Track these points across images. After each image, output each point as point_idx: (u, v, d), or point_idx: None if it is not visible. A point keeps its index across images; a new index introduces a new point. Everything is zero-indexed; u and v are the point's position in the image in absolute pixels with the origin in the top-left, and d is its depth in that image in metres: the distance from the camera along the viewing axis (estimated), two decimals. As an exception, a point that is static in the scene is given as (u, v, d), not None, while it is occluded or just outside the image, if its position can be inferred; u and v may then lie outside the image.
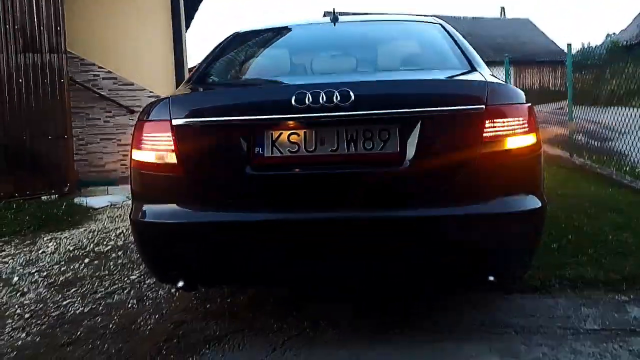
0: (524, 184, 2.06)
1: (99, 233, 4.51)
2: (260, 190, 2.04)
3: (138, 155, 2.14)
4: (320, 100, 1.93)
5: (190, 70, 8.88)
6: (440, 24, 2.95)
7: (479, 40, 29.72)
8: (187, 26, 9.20)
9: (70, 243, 4.22)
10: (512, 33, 29.75)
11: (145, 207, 2.13)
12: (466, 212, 1.97)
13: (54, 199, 5.35)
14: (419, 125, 1.96)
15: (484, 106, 1.97)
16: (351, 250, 2.00)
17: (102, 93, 6.37)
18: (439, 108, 1.99)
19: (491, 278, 2.04)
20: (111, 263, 3.65)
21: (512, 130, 1.99)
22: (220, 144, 2.05)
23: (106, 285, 3.22)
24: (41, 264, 3.69)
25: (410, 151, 1.96)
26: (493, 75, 2.35)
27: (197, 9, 9.28)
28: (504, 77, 10.11)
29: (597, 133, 9.23)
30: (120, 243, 4.15)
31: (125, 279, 3.31)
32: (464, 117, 1.99)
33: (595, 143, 8.62)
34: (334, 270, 2.06)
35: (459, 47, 2.63)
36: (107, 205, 5.54)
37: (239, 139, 2.01)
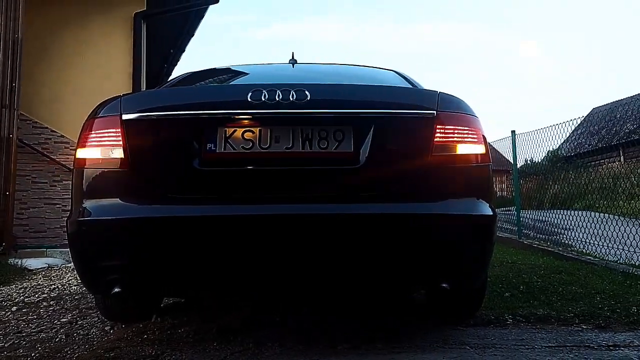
0: (473, 191, 2.09)
1: (31, 289, 4.18)
2: (210, 185, 1.98)
3: (83, 153, 2.07)
4: (277, 98, 1.96)
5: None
6: (395, 70, 3.11)
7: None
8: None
9: (-2, 296, 3.89)
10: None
11: (87, 203, 2.01)
12: (417, 211, 1.96)
13: (-14, 258, 4.99)
14: (372, 126, 2.00)
15: (435, 112, 2.04)
16: (303, 247, 1.92)
17: (53, 157, 6.22)
18: (392, 111, 2.05)
19: (444, 285, 1.99)
20: (42, 310, 3.35)
21: (461, 137, 2.06)
22: (170, 139, 2.02)
23: (33, 326, 2.93)
24: (-39, 312, 3.35)
25: (364, 151, 1.98)
26: None
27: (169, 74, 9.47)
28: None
29: (544, 229, 9.66)
30: (53, 295, 3.85)
31: (55, 321, 3.03)
32: (415, 121, 2.05)
33: (542, 236, 8.99)
34: (285, 267, 1.96)
35: (411, 84, 2.76)
36: (45, 267, 5.20)
37: (190, 135, 1.99)
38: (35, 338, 2.65)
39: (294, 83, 2.06)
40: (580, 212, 6.81)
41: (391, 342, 2.20)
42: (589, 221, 6.28)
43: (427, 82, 3.16)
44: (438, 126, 2.04)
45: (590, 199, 9.69)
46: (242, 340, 2.26)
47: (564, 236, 8.39)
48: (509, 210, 13.80)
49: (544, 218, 10.03)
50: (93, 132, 2.07)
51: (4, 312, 3.34)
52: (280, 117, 2.00)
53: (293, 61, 3.18)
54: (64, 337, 2.63)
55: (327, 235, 1.92)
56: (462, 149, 2.06)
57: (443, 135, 2.04)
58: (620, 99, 23.36)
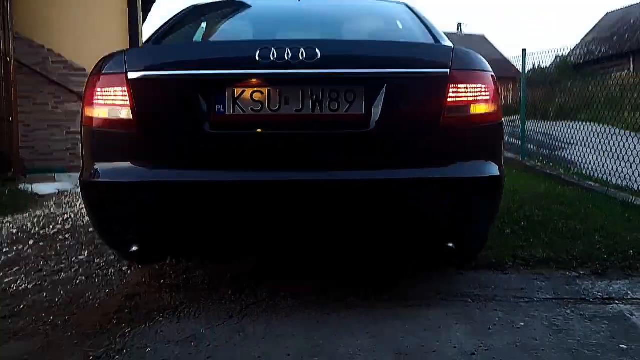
0: (484, 152, 2.09)
1: (44, 218, 4.30)
2: (220, 149, 1.99)
3: (90, 111, 2.05)
4: (286, 57, 1.91)
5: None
6: (406, 4, 2.98)
7: (435, 54, 30.54)
8: (148, 10, 8.96)
9: (13, 227, 4.01)
10: (467, 48, 30.69)
11: (97, 165, 2.04)
12: (427, 175, 1.99)
13: (-3, 184, 5.08)
14: (384, 87, 1.96)
15: (448, 70, 1.99)
16: (313, 212, 1.97)
17: (52, 77, 6.11)
18: (404, 70, 2.00)
19: (450, 245, 2.06)
20: (58, 245, 3.47)
21: (474, 96, 2.03)
22: (178, 100, 1.99)
23: (52, 264, 3.06)
24: (-19, 246, 3.49)
25: (376, 113, 1.96)
26: None
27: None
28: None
29: (547, 144, 9.71)
30: (67, 227, 3.97)
31: (73, 258, 3.16)
32: (428, 80, 2.02)
33: (545, 152, 9.06)
34: (295, 231, 2.03)
35: (425, 25, 2.66)
36: (55, 193, 5.31)
37: (198, 96, 1.96)
38: (56, 279, 2.78)
39: (303, 40, 1.99)
40: (583, 125, 6.73)
41: (398, 294, 2.31)
42: (591, 135, 6.25)
43: None
44: (452, 85, 2.00)
45: (596, 110, 9.63)
46: (255, 289, 2.37)
47: (567, 152, 8.47)
48: (513, 122, 13.79)
49: (547, 131, 10.06)
50: (98, 90, 2.03)
51: (22, 247, 3.47)
52: (289, 77, 1.96)
53: None
54: (84, 278, 2.76)
55: (341, 201, 1.96)
56: (475, 109, 2.03)
57: (456, 95, 2.00)
58: (636, 2, 22.33)
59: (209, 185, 1.97)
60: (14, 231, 3.88)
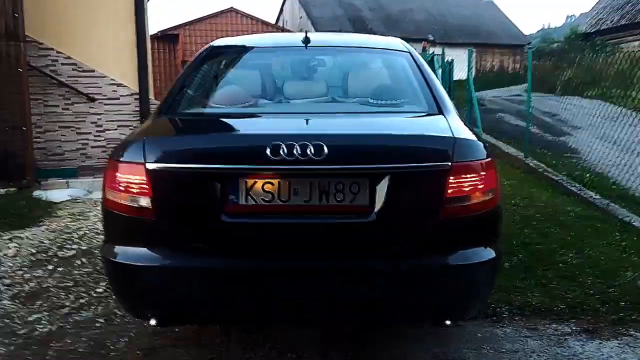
0: (482, 237, 2.20)
1: (60, 233, 4.45)
2: (233, 237, 2.11)
3: (111, 195, 2.17)
4: (295, 153, 2.00)
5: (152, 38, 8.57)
6: (410, 53, 3.02)
7: (443, 20, 29.98)
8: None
9: (32, 246, 4.17)
10: (475, 14, 30.00)
11: (117, 248, 2.17)
12: (427, 263, 2.11)
13: (12, 192, 5.24)
14: (387, 179, 2.06)
15: (449, 163, 2.08)
16: (320, 297, 2.11)
17: (61, 79, 6.16)
18: (407, 164, 2.09)
19: (448, 322, 2.20)
20: (76, 272, 3.64)
21: (474, 185, 2.12)
22: (195, 190, 2.10)
23: (72, 298, 3.25)
24: (2, 269, 3.66)
25: (379, 203, 2.06)
26: (458, 116, 2.48)
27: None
28: (466, 61, 10.22)
29: (552, 128, 9.75)
30: (84, 247, 4.13)
31: (92, 292, 3.34)
32: (430, 173, 2.11)
33: (549, 137, 9.12)
34: (305, 314, 2.17)
35: (427, 83, 2.71)
36: (68, 200, 5.46)
37: (213, 186, 2.07)
38: (77, 319, 2.96)
39: (311, 134, 2.08)
40: (589, 105, 6.68)
41: (398, 355, 2.48)
42: (596, 117, 6.27)
43: None
44: (452, 177, 2.08)
45: (603, 87, 9.56)
46: (263, 347, 2.54)
47: (572, 138, 8.53)
48: (517, 96, 13.71)
49: (552, 110, 10.05)
50: (118, 176, 2.14)
51: (41, 272, 3.65)
52: (298, 172, 2.06)
53: (306, 41, 3.08)
54: (103, 321, 2.94)
55: (345, 285, 2.09)
56: (474, 198, 2.12)
57: (457, 186, 2.09)
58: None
59: (223, 272, 2.10)
60: (33, 251, 4.06)
